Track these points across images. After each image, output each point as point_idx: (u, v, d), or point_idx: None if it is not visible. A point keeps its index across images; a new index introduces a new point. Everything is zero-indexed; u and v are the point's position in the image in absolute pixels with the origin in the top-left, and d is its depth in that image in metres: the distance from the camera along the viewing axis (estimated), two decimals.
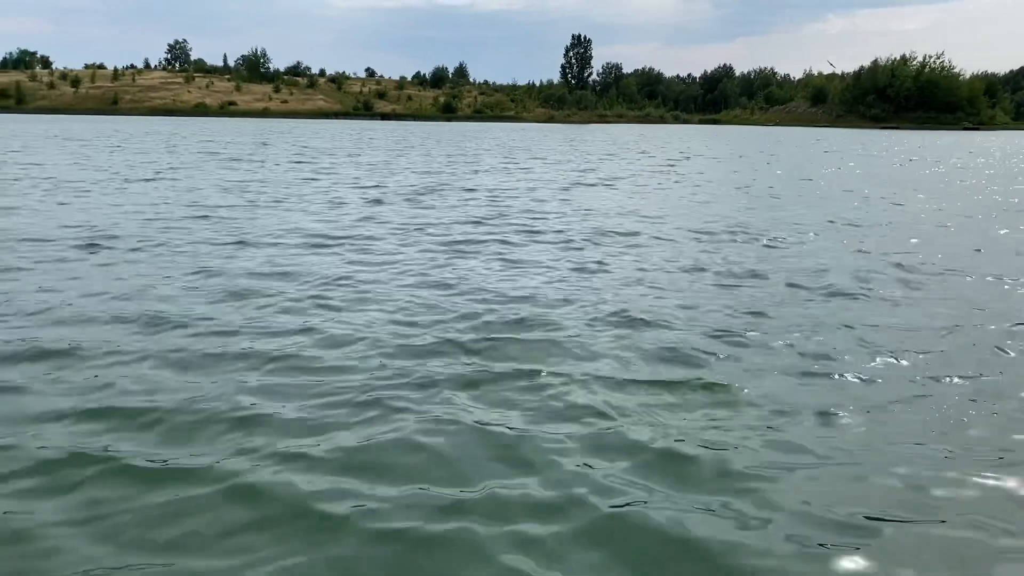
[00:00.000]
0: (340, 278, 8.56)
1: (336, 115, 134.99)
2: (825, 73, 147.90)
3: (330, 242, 10.92)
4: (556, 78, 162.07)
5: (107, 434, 4.47)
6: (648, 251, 10.87)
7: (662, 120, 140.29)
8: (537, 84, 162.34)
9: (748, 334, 6.75)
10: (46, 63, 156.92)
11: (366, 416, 4.81)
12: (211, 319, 6.82)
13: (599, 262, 9.93)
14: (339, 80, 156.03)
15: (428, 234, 11.96)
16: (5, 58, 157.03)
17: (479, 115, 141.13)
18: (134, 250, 9.95)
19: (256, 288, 7.98)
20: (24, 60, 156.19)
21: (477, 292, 8.09)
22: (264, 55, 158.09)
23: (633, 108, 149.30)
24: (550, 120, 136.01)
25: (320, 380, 5.41)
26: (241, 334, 6.43)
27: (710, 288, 8.57)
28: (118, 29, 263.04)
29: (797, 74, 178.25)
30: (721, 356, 6.12)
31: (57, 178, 19.35)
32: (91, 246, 10.08)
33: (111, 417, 4.71)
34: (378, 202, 16.06)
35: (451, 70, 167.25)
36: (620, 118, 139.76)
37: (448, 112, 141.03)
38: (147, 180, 19.51)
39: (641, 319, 7.10)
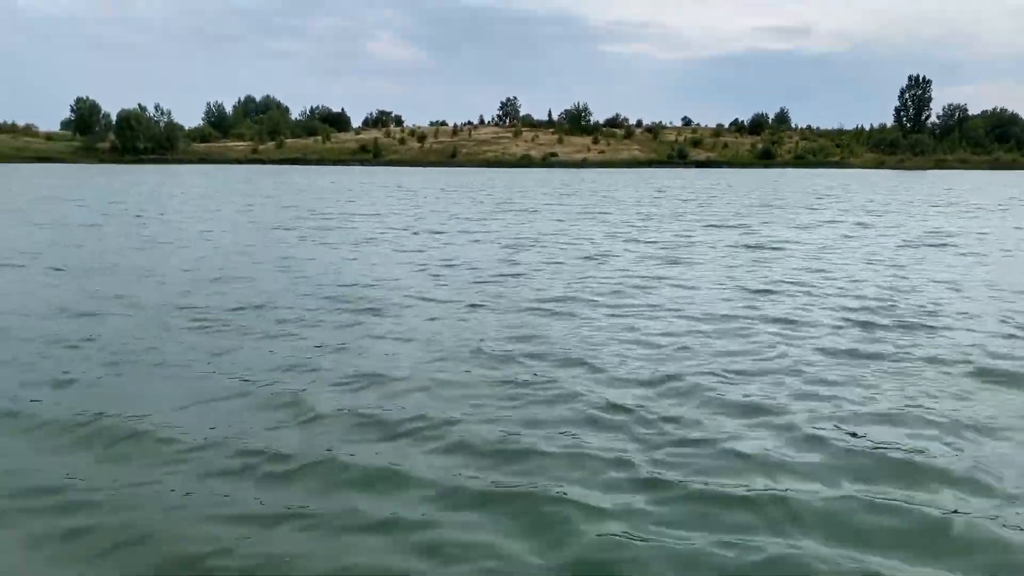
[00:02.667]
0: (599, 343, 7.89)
1: (650, 163, 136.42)
2: None
3: (590, 301, 10.31)
4: (888, 122, 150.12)
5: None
6: (988, 348, 8.31)
7: (1014, 165, 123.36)
8: (866, 128, 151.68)
9: None
10: (398, 121, 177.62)
11: None
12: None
13: (910, 364, 7.73)
14: (655, 130, 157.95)
15: (701, 301, 10.87)
16: (366, 118, 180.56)
17: (800, 161, 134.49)
18: (406, 307, 10.09)
19: (517, 352, 7.59)
20: (381, 119, 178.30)
21: (723, 382, 6.96)
22: (585, 109, 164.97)
23: (980, 152, 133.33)
24: (880, 166, 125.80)
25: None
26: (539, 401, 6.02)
27: None
28: (460, 89, 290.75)
29: None
30: None
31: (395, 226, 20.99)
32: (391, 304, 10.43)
33: None
34: (653, 259, 15.18)
35: (771, 116, 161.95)
36: (963, 164, 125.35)
37: (766, 158, 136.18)
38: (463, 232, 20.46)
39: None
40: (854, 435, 5.67)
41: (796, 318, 9.67)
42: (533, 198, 38.76)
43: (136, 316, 9.35)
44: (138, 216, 24.84)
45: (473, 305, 10.34)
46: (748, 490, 4.78)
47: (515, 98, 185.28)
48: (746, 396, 6.55)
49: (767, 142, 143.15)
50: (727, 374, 7.19)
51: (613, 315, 9.78)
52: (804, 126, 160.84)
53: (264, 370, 7.13)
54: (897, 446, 5.47)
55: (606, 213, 28.40)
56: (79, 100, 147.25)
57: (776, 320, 9.56)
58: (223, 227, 21.42)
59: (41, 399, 6.27)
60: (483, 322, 9.30)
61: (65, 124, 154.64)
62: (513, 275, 13.07)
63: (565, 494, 4.70)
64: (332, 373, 7.03)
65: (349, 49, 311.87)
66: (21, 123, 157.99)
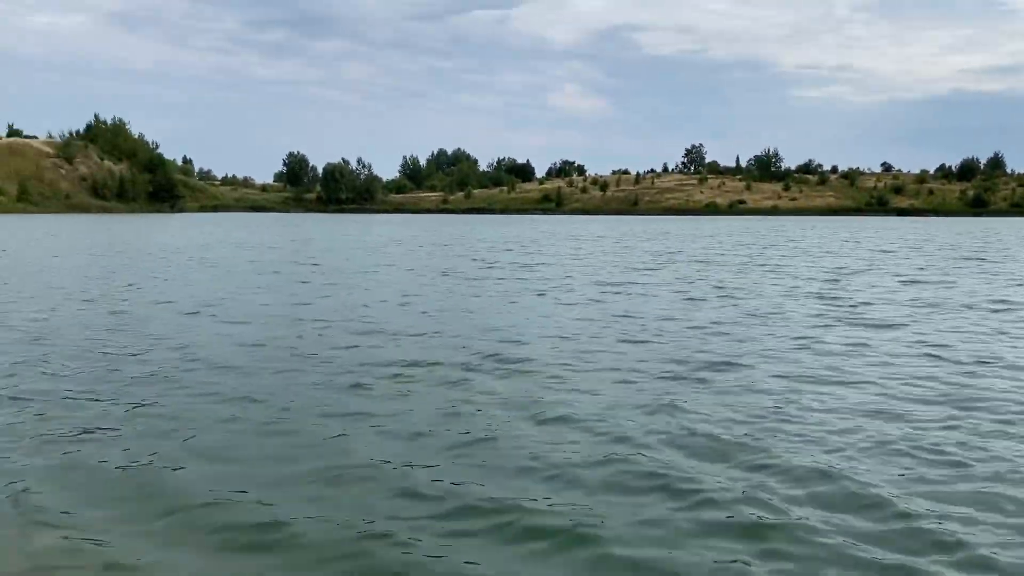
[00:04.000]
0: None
1: (846, 211, 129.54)
2: None
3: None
4: None
5: None
6: None
7: None
8: None
9: None
10: (581, 171, 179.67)
11: None
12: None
13: None
14: (851, 176, 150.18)
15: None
16: (550, 168, 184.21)
17: (1017, 209, 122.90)
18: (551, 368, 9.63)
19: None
20: (564, 169, 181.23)
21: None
22: (776, 154, 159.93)
23: None
24: None
25: None
26: None
27: None
28: (642, 138, 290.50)
29: None
30: None
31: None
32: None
33: None
34: (840, 320, 13.81)
35: (983, 161, 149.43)
36: None
37: (978, 206, 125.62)
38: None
39: None
40: None
41: (1012, 400, 8.24)
42: (714, 247, 37.46)
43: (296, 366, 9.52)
44: (316, 264, 26.15)
45: (644, 372, 9.66)
46: None
47: (700, 145, 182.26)
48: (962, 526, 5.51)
49: (979, 189, 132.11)
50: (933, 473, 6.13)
51: (790, 385, 8.81)
52: (1021, 171, 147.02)
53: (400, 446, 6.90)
54: None
55: (791, 265, 26.80)
56: (290, 155, 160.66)
57: (987, 402, 8.13)
58: (400, 277, 22.05)
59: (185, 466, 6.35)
60: (649, 390, 8.47)
61: (278, 176, 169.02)
62: (683, 329, 12.32)
63: None
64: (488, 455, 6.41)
65: (535, 101, 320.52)
66: (240, 176, 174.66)
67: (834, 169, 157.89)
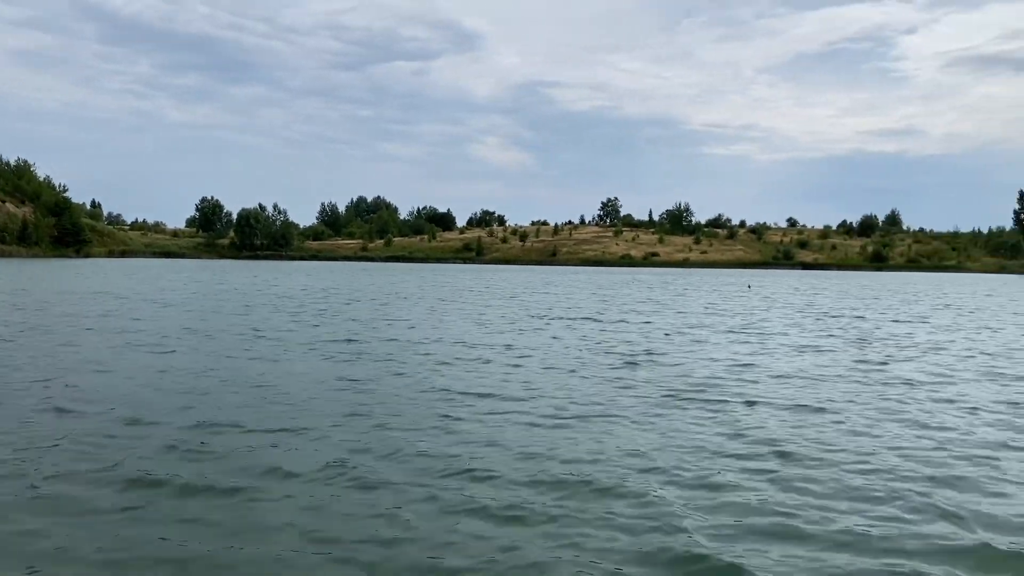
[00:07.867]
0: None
1: (755, 265, 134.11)
2: None
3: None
4: (1008, 225, 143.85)
5: None
6: None
7: None
8: (984, 231, 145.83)
9: None
10: (501, 221, 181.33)
11: None
12: None
13: None
14: (759, 231, 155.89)
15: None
16: (471, 218, 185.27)
17: (913, 264, 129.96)
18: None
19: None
20: (485, 219, 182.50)
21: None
22: (687, 209, 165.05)
23: None
24: (1001, 271, 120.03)
25: None
26: None
27: None
28: (560, 191, 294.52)
29: None
30: None
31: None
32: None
33: None
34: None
35: (881, 218, 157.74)
36: None
37: (877, 261, 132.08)
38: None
39: None
40: None
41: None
42: (622, 300, 38.13)
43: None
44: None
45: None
46: None
47: (616, 198, 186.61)
48: None
49: (878, 244, 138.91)
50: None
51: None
52: (916, 228, 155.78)
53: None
54: None
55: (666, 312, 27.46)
56: (203, 200, 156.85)
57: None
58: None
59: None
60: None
61: (190, 222, 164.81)
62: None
63: None
64: None
65: (456, 152, 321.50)
66: (151, 221, 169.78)
67: (743, 224, 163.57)
